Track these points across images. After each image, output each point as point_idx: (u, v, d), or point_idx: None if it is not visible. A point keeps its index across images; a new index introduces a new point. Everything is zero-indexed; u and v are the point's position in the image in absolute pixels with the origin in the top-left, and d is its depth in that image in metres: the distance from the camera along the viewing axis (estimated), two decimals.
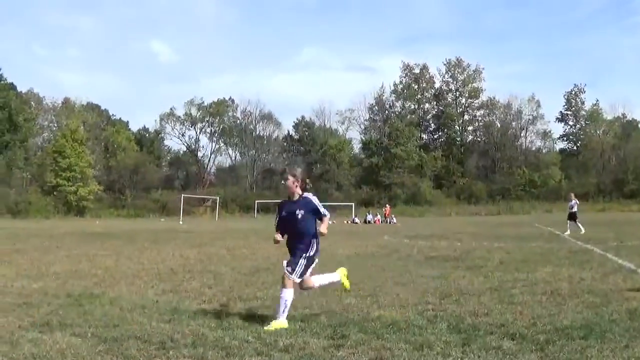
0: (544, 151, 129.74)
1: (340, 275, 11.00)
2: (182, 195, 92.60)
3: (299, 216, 10.19)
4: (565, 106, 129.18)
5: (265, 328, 9.28)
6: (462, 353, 7.73)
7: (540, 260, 18.99)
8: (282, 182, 10.83)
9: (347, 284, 11.04)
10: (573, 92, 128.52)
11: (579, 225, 34.53)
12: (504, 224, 52.76)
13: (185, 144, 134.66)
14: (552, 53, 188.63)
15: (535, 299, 11.51)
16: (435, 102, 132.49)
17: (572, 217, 35.34)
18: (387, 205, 77.88)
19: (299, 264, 10.05)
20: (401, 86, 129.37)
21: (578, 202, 36.77)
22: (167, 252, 25.17)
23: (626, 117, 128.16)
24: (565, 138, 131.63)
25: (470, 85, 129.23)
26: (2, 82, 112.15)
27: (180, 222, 72.79)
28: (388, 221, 69.34)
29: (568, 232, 33.63)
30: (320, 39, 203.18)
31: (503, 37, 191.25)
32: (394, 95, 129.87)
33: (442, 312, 10.44)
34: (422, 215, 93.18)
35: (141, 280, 15.36)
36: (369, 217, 72.82)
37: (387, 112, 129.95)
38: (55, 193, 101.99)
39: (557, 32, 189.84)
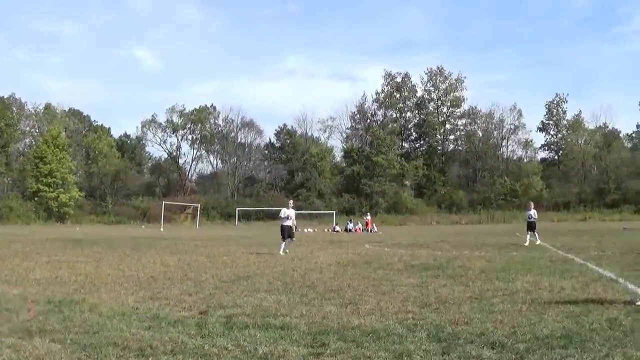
0: (525, 160, 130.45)
1: None
2: (163, 202, 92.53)
3: None
4: (547, 115, 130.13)
5: None
6: None
7: (521, 269, 19.03)
8: None
9: None
10: (555, 102, 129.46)
11: (536, 235, 34.39)
12: (485, 233, 52.91)
13: (167, 151, 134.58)
14: (534, 62, 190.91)
15: (515, 307, 11.54)
16: (416, 111, 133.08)
17: (531, 227, 35.04)
18: (368, 215, 77.76)
19: None
20: (383, 95, 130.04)
21: (536, 212, 36.24)
22: (148, 259, 25.09)
23: (608, 126, 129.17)
24: (546, 147, 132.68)
25: (452, 94, 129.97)
26: None
27: (161, 229, 72.66)
28: (369, 230, 69.28)
29: (527, 242, 33.48)
30: (304, 47, 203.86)
31: (485, 47, 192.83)
32: (376, 103, 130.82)
33: (422, 320, 10.44)
34: (404, 224, 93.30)
35: (121, 287, 15.30)
36: (350, 226, 72.71)
37: (368, 120, 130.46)
38: (36, 199, 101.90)
39: (539, 41, 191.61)
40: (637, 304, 11.65)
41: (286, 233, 27.95)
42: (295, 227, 29.48)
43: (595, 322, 10.07)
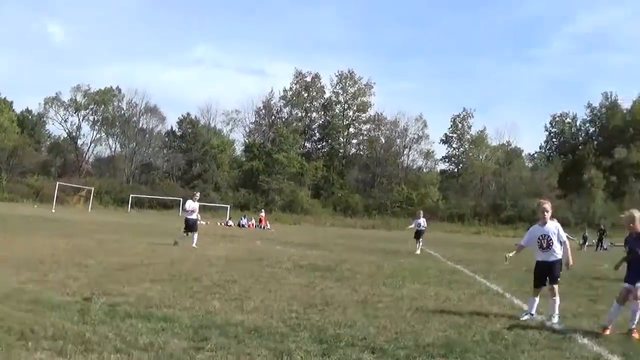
0: (424, 170, 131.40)
1: None
2: (58, 182, 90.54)
3: None
4: (451, 128, 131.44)
5: None
6: None
7: (409, 276, 19.26)
8: None
9: None
10: (461, 116, 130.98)
11: (420, 243, 34.61)
12: (378, 239, 53.31)
13: (67, 131, 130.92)
14: (445, 75, 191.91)
15: (399, 314, 11.69)
16: (322, 112, 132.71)
17: (419, 235, 35.13)
18: (262, 212, 77.60)
19: None
20: (291, 93, 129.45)
21: (425, 220, 36.23)
22: (37, 240, 24.65)
23: (511, 144, 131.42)
24: (447, 160, 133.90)
25: (359, 99, 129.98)
26: None
27: (53, 210, 71.27)
28: (262, 227, 69.22)
29: (418, 251, 33.70)
30: (215, 37, 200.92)
31: (398, 55, 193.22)
32: (282, 101, 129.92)
33: (305, 321, 10.48)
34: (298, 224, 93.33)
35: (6, 267, 14.96)
36: (243, 221, 72.54)
37: (273, 117, 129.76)
38: None
39: (452, 55, 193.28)
40: (522, 319, 11.91)
41: (190, 226, 27.85)
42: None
43: (478, 333, 10.26)
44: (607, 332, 10.86)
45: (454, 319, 11.50)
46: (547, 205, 12.37)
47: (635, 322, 10.94)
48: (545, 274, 12.12)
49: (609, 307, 13.22)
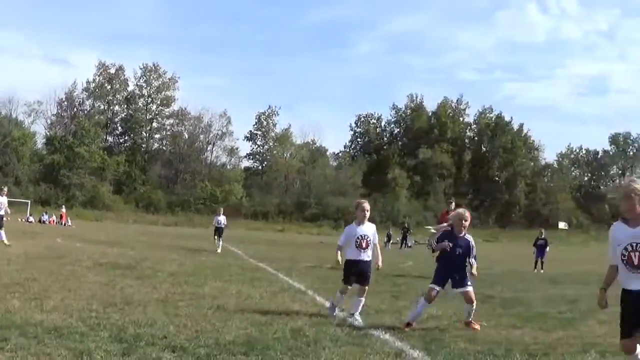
0: (228, 167, 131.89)
1: None
2: None
3: None
4: (256, 126, 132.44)
5: None
6: None
7: (211, 274, 19.27)
8: None
9: None
10: (266, 113, 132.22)
11: (221, 241, 34.43)
12: (181, 236, 53.16)
13: None
14: (251, 72, 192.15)
15: (201, 312, 11.67)
16: (125, 105, 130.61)
17: (219, 233, 34.93)
18: (63, 208, 75.85)
19: None
20: (94, 85, 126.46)
21: (225, 218, 36.15)
22: None
23: (315, 143, 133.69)
24: (251, 157, 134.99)
25: (163, 93, 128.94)
26: None
27: None
28: (63, 223, 67.72)
29: (219, 249, 33.51)
30: (18, 23, 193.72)
31: (205, 50, 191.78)
32: (85, 92, 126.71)
33: (105, 320, 10.34)
34: (100, 220, 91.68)
35: None
36: (45, 217, 70.75)
37: (75, 109, 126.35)
38: None
39: (259, 52, 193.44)
40: (328, 315, 12.13)
41: None
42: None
43: (279, 330, 10.37)
44: (409, 328, 11.19)
45: (256, 317, 11.59)
46: (367, 205, 12.57)
47: (471, 316, 11.44)
48: (358, 273, 12.32)
49: (411, 303, 13.71)
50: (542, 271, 31.15)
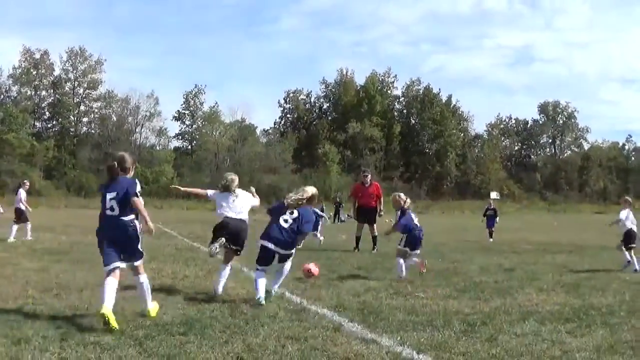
0: (158, 148, 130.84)
1: None
2: None
3: None
4: (184, 105, 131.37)
5: None
6: (60, 348, 7.72)
7: (146, 255, 19.07)
8: None
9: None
10: (193, 92, 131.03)
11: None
12: None
13: None
14: (176, 51, 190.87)
15: (137, 294, 11.54)
16: (52, 90, 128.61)
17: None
18: None
19: None
20: (20, 71, 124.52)
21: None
22: None
23: (245, 121, 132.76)
24: (180, 137, 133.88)
25: (89, 76, 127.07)
26: None
27: None
28: None
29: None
30: None
31: (129, 31, 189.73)
32: (11, 79, 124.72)
33: (42, 306, 10.30)
34: (32, 207, 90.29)
35: None
36: None
37: (2, 96, 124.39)
38: None
39: (183, 32, 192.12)
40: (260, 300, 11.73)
41: None
42: None
43: (217, 309, 10.41)
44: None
45: (193, 297, 11.58)
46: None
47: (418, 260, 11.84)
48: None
49: (346, 277, 13.78)
50: (491, 240, 31.71)
